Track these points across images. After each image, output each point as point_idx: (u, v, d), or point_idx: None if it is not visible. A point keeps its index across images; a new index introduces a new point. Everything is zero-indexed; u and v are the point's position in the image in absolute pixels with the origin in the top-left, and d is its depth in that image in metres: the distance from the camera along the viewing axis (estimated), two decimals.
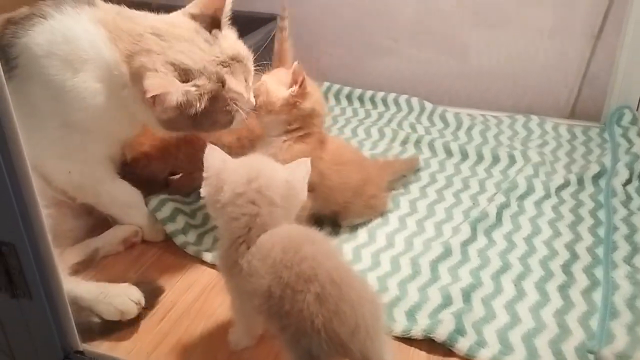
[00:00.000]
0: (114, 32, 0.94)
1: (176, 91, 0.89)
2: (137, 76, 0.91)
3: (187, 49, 0.94)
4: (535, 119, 1.54)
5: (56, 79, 0.93)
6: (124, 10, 1.00)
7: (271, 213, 0.74)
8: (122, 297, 0.89)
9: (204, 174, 0.76)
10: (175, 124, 0.96)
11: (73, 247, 1.03)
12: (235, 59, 0.98)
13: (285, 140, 1.03)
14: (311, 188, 1.04)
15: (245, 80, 1.00)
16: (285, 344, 0.69)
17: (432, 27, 1.62)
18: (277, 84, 1.03)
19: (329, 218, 1.13)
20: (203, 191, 0.77)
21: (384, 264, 1.03)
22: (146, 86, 0.88)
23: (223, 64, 0.96)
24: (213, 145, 0.78)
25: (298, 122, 1.04)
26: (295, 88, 1.01)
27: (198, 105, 0.92)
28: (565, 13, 1.51)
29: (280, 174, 0.78)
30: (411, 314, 0.91)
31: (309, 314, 0.65)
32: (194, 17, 1.00)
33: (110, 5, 1.02)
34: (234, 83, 0.97)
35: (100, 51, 0.93)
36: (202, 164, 0.78)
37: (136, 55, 0.92)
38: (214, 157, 0.77)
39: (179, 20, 1.00)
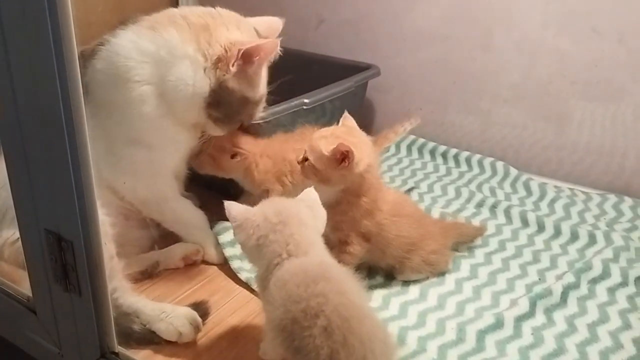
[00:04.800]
0: (164, 22, 1.01)
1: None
2: (219, 37, 1.00)
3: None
4: (628, 200, 1.44)
5: (114, 97, 1.01)
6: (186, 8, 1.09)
7: (302, 233, 0.80)
8: (183, 319, 0.93)
9: (233, 224, 0.82)
10: (225, 97, 1.02)
11: (137, 257, 1.10)
12: None
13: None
14: (368, 239, 1.06)
15: None
16: None
17: (529, 94, 1.58)
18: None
19: (384, 269, 1.13)
20: (238, 238, 0.82)
21: (429, 324, 1.00)
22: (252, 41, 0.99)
23: None
24: (230, 201, 0.83)
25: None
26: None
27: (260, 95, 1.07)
28: None
29: (299, 203, 0.85)
30: None
31: (315, 347, 0.67)
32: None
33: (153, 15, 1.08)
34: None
35: (142, 49, 0.99)
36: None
37: (219, 26, 1.02)
38: (237, 209, 0.83)
39: (250, 27, 1.10)
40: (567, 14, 1.47)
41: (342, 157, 0.97)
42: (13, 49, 0.67)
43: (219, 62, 1.00)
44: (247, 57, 0.99)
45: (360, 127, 1.06)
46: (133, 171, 1.06)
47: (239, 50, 0.98)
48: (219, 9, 1.07)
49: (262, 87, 1.09)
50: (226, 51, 0.99)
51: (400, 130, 1.42)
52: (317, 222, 0.85)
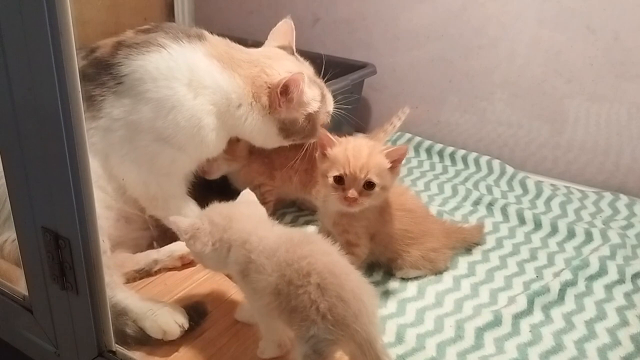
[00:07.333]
0: (229, 62, 1.09)
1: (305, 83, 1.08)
2: (262, 88, 1.09)
3: (295, 66, 1.15)
4: (624, 198, 1.44)
5: (172, 99, 1.02)
6: (230, 43, 1.15)
7: (251, 222, 0.87)
8: (168, 318, 0.92)
9: (185, 236, 0.85)
10: (293, 126, 1.12)
11: (135, 255, 1.10)
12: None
13: None
14: (373, 237, 1.06)
15: None
16: (297, 340, 0.77)
17: (524, 92, 1.58)
18: None
19: (383, 266, 1.13)
20: (194, 248, 0.86)
21: (427, 322, 1.00)
22: (280, 80, 1.06)
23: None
24: (174, 216, 0.87)
25: None
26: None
27: (319, 105, 1.14)
28: None
29: (236, 204, 0.92)
30: None
31: (312, 302, 0.74)
32: (281, 47, 1.20)
33: (217, 38, 1.14)
34: (327, 92, 1.20)
35: (216, 79, 1.06)
36: None
37: (259, 74, 1.09)
38: (185, 221, 0.86)
39: (275, 50, 1.19)
40: (562, 12, 1.47)
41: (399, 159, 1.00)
42: (10, 45, 0.66)
43: (271, 108, 1.10)
44: (284, 91, 1.08)
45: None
46: (151, 166, 1.06)
47: (276, 93, 1.08)
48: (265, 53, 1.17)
49: (316, 97, 1.15)
50: (269, 97, 1.09)
51: (389, 128, 1.44)
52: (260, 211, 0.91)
